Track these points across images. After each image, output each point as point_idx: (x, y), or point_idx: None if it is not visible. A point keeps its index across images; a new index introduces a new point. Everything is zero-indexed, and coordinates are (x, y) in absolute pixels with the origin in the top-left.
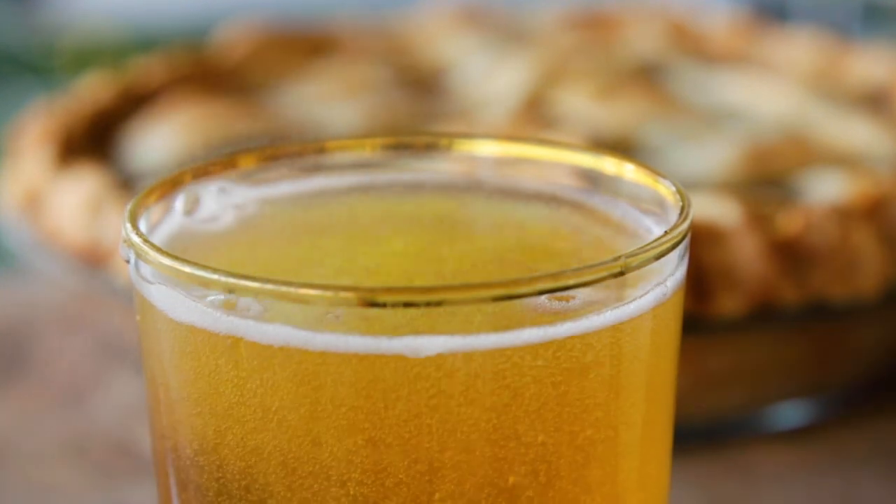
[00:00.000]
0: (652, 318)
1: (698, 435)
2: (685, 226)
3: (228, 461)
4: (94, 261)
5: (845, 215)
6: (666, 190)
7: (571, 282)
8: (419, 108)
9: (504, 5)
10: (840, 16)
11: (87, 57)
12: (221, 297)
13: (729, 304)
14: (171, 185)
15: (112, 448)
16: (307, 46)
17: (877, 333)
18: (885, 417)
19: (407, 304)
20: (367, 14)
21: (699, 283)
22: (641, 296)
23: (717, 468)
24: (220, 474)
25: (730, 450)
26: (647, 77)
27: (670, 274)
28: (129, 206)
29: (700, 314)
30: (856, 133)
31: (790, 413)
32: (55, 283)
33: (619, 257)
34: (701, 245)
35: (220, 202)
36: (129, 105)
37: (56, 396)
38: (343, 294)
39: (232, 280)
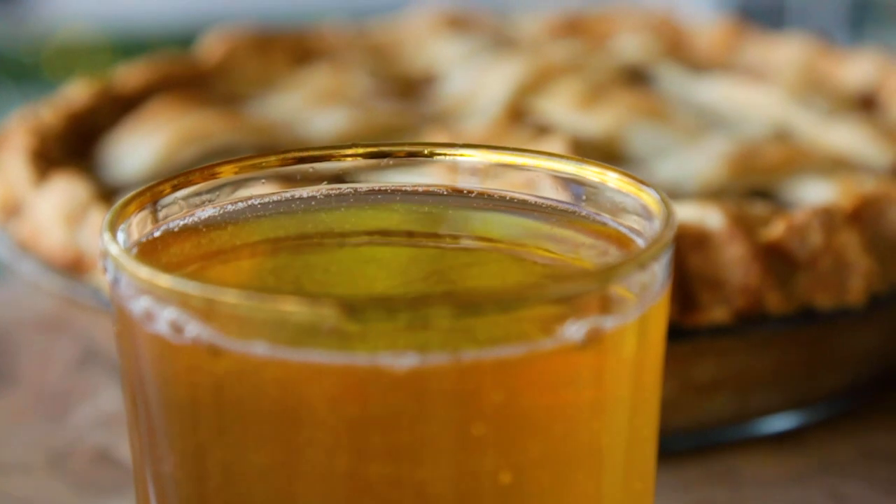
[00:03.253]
0: (636, 327)
1: (684, 441)
2: (669, 235)
3: (208, 474)
4: (75, 270)
5: (831, 221)
6: (650, 198)
7: (555, 293)
8: (404, 115)
9: (489, 9)
10: (835, 15)
11: (73, 61)
12: (200, 308)
13: (714, 313)
14: (150, 195)
15: (93, 458)
16: (291, 53)
17: (863, 339)
18: (871, 423)
19: (388, 317)
20: (352, 20)
21: (684, 291)
22: (625, 306)
23: (704, 474)
24: (201, 488)
25: (716, 456)
26: (634, 83)
27: (655, 283)
28: (107, 217)
29: (686, 322)
30: (845, 138)
31: (776, 419)
32: (38, 291)
33: (603, 267)
34: (686, 253)
35: (201, 212)
36: (113, 112)
37: (38, 405)
38: (323, 305)
39: (211, 292)
